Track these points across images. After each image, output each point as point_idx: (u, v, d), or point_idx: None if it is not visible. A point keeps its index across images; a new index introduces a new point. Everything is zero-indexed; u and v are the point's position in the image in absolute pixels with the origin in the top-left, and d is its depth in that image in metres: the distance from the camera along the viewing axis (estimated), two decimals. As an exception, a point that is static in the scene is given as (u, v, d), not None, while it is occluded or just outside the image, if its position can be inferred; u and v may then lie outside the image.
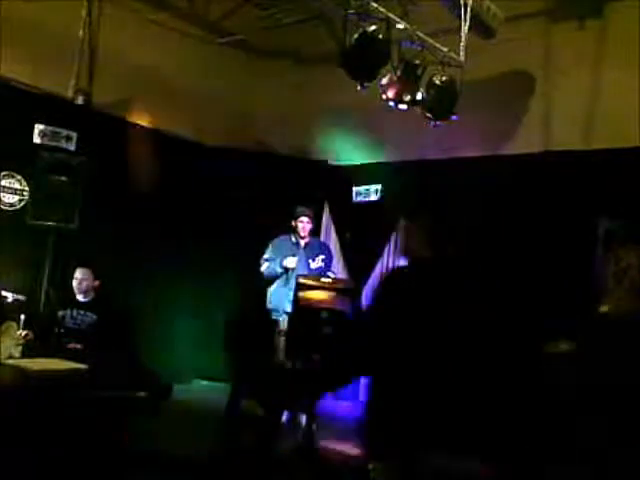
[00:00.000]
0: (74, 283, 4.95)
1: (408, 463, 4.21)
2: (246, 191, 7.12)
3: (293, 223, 5.77)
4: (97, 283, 4.96)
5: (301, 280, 5.32)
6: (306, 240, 5.82)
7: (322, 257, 5.78)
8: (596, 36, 5.69)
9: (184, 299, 6.97)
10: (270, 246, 5.83)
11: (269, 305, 5.73)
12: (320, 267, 5.72)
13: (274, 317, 5.66)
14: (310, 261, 5.72)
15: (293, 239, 5.80)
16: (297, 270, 5.55)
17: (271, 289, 5.77)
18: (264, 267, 5.75)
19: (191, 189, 6.85)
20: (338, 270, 6.63)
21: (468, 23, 5.08)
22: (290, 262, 5.62)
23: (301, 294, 4.91)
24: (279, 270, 5.65)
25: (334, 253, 6.42)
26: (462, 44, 5.14)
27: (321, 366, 4.64)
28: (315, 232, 6.71)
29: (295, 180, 7.15)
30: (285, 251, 5.71)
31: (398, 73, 4.87)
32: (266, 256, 5.78)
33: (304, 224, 5.78)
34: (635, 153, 5.27)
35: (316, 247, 5.89)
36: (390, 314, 4.49)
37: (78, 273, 4.96)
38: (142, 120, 6.61)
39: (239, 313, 6.61)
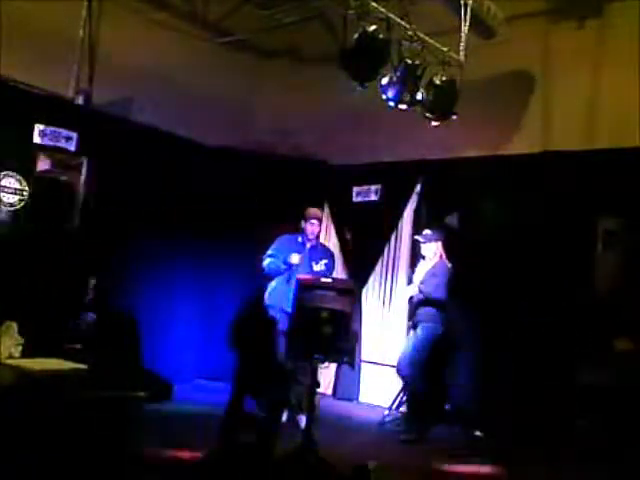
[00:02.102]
0: None
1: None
2: (246, 191, 7.12)
3: (302, 224, 5.76)
4: (92, 281, 4.95)
5: (301, 280, 5.31)
6: (312, 242, 5.81)
7: (325, 261, 5.77)
8: (596, 36, 5.69)
9: (184, 299, 6.96)
10: (275, 243, 5.80)
11: (267, 301, 5.71)
12: (322, 271, 5.69)
13: (272, 314, 5.64)
14: (313, 263, 5.70)
15: (300, 239, 5.79)
16: (299, 270, 5.53)
17: (271, 285, 5.74)
18: (265, 262, 5.72)
19: (191, 189, 6.85)
20: (338, 271, 6.59)
21: (468, 23, 5.09)
22: (294, 258, 5.59)
23: (301, 294, 4.90)
24: (282, 266, 5.63)
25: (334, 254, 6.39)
26: (462, 44, 5.14)
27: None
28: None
29: (295, 180, 7.15)
30: (290, 249, 5.69)
31: (398, 73, 4.87)
32: (269, 252, 5.77)
33: (313, 227, 5.77)
34: (635, 153, 5.28)
35: (321, 251, 5.86)
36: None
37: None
38: (142, 120, 6.60)
39: (241, 312, 6.59)
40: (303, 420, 5.56)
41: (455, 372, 6.17)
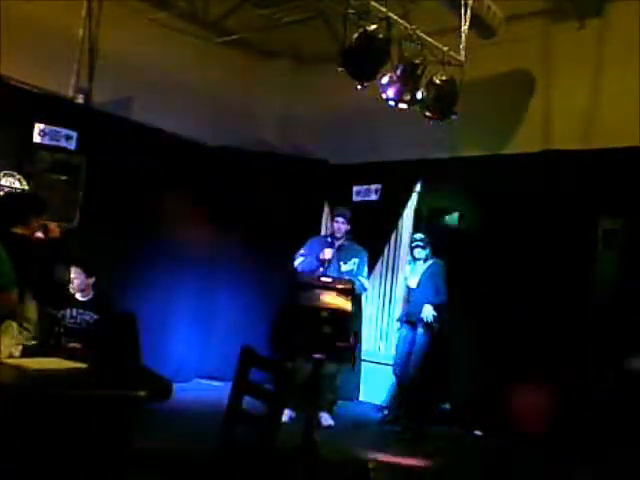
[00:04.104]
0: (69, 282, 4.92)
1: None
2: (246, 191, 7.12)
3: (329, 224, 5.79)
4: (91, 280, 4.92)
5: (302, 280, 5.33)
6: (340, 242, 5.81)
7: (355, 260, 5.77)
8: (596, 36, 5.70)
9: (184, 298, 6.96)
10: (306, 244, 5.84)
11: None
12: (351, 270, 5.71)
13: None
14: (341, 263, 5.71)
15: (329, 239, 5.83)
16: (327, 271, 5.55)
17: None
18: (297, 262, 5.75)
19: (191, 188, 6.85)
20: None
21: (468, 22, 5.09)
22: (327, 253, 5.62)
23: (301, 293, 4.91)
24: (315, 263, 5.63)
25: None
26: (462, 44, 5.14)
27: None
28: (315, 231, 6.71)
29: (295, 180, 7.15)
30: (320, 249, 5.72)
31: (398, 72, 4.87)
32: (301, 252, 5.79)
33: (339, 224, 5.78)
34: (635, 153, 5.28)
35: (350, 250, 5.83)
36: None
37: (70, 272, 4.93)
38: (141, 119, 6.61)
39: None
40: (324, 417, 5.62)
41: (454, 372, 6.17)
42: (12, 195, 5.32)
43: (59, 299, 4.84)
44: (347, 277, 5.58)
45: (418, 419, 5.66)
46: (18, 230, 3.86)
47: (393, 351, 6.30)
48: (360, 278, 5.71)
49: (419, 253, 5.97)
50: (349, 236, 5.90)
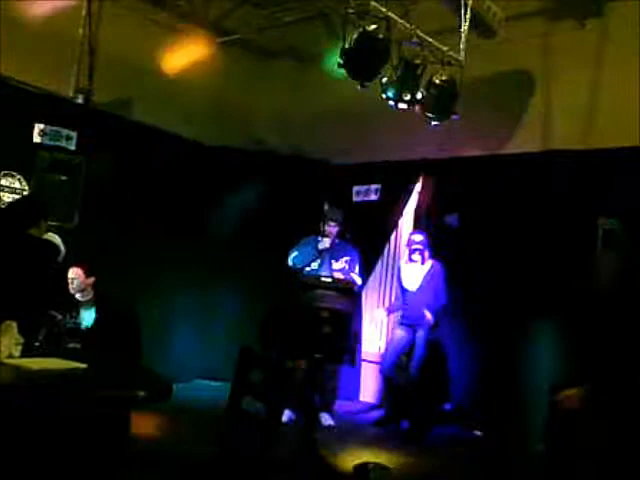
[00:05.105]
0: (68, 283, 4.92)
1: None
2: (246, 191, 7.12)
3: (321, 225, 5.82)
4: (91, 280, 4.92)
5: (302, 280, 5.35)
6: (333, 241, 5.84)
7: (346, 258, 5.82)
8: (596, 36, 5.69)
9: (184, 298, 6.96)
10: (299, 243, 5.90)
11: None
12: (342, 268, 5.75)
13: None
14: (333, 261, 5.75)
15: (320, 239, 5.85)
16: (320, 269, 5.60)
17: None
18: (292, 256, 5.80)
19: (191, 189, 6.85)
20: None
21: (468, 23, 5.09)
22: (326, 242, 5.69)
23: (301, 293, 4.91)
24: (312, 253, 5.70)
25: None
26: (462, 44, 5.14)
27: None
28: (314, 232, 6.70)
29: (295, 180, 7.15)
30: (313, 247, 5.78)
31: (398, 72, 4.87)
32: (294, 249, 5.85)
33: (331, 228, 5.84)
34: (635, 153, 5.28)
35: (341, 248, 5.89)
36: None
37: (69, 273, 4.93)
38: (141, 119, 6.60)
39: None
40: (324, 417, 5.65)
41: (454, 372, 6.18)
42: (21, 201, 5.37)
43: (59, 299, 4.84)
44: (340, 275, 5.63)
45: (418, 419, 5.66)
46: (33, 232, 3.97)
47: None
48: (352, 274, 5.76)
49: (417, 256, 5.97)
50: (343, 236, 5.94)
